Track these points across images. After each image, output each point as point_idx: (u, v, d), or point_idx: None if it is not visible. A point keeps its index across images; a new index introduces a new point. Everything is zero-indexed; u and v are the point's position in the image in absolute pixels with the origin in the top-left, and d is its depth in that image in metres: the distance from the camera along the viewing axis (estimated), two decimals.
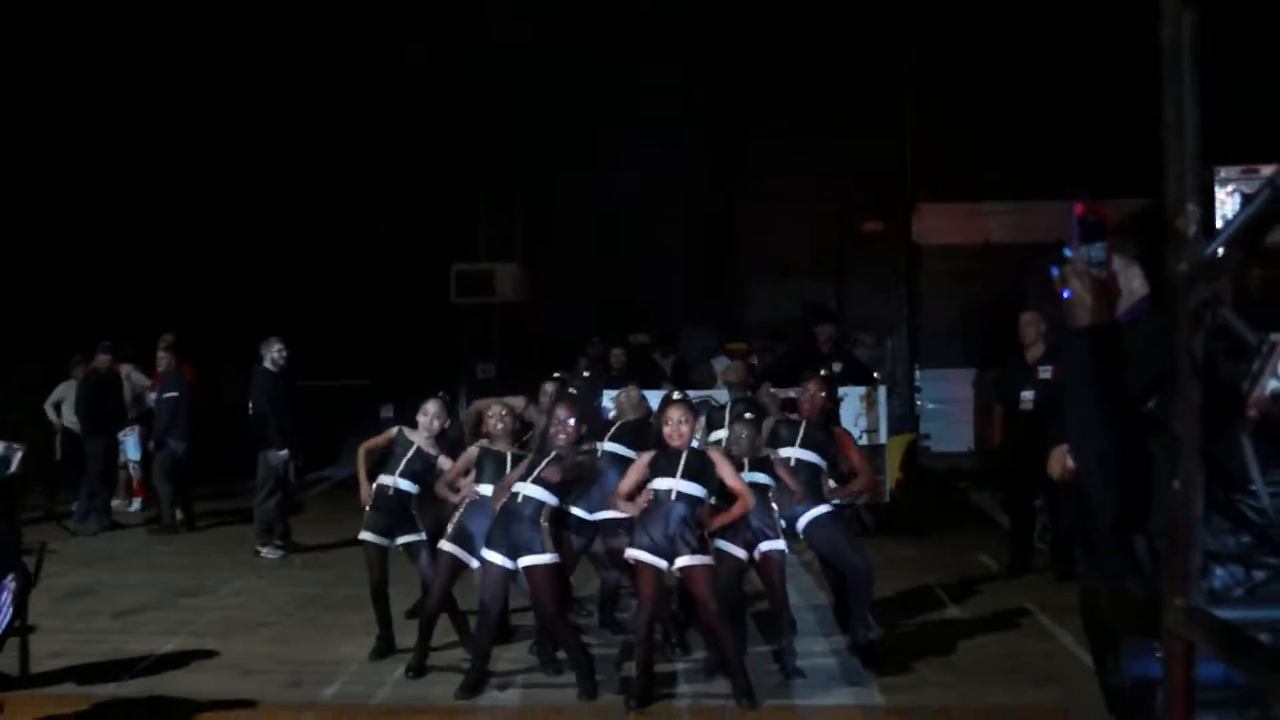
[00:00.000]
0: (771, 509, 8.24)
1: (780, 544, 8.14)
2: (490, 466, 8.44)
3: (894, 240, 21.19)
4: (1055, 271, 3.19)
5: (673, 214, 22.32)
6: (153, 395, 15.91)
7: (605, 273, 21.08)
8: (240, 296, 20.67)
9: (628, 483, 7.93)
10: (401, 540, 8.99)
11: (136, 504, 16.57)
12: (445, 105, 21.32)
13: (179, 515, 14.86)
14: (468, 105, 21.51)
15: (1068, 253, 3.16)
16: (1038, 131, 19.95)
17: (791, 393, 10.21)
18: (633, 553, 7.72)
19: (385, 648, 8.93)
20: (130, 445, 16.36)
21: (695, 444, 7.92)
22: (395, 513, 8.94)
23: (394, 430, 9.20)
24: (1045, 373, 10.75)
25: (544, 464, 7.96)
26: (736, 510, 7.80)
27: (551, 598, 7.86)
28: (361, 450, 9.26)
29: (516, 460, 8.32)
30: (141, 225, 20.66)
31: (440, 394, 9.30)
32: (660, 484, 7.70)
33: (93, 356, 15.07)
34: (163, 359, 15.51)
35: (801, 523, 8.57)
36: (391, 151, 21.29)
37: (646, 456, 7.91)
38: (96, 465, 14.82)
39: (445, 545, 8.37)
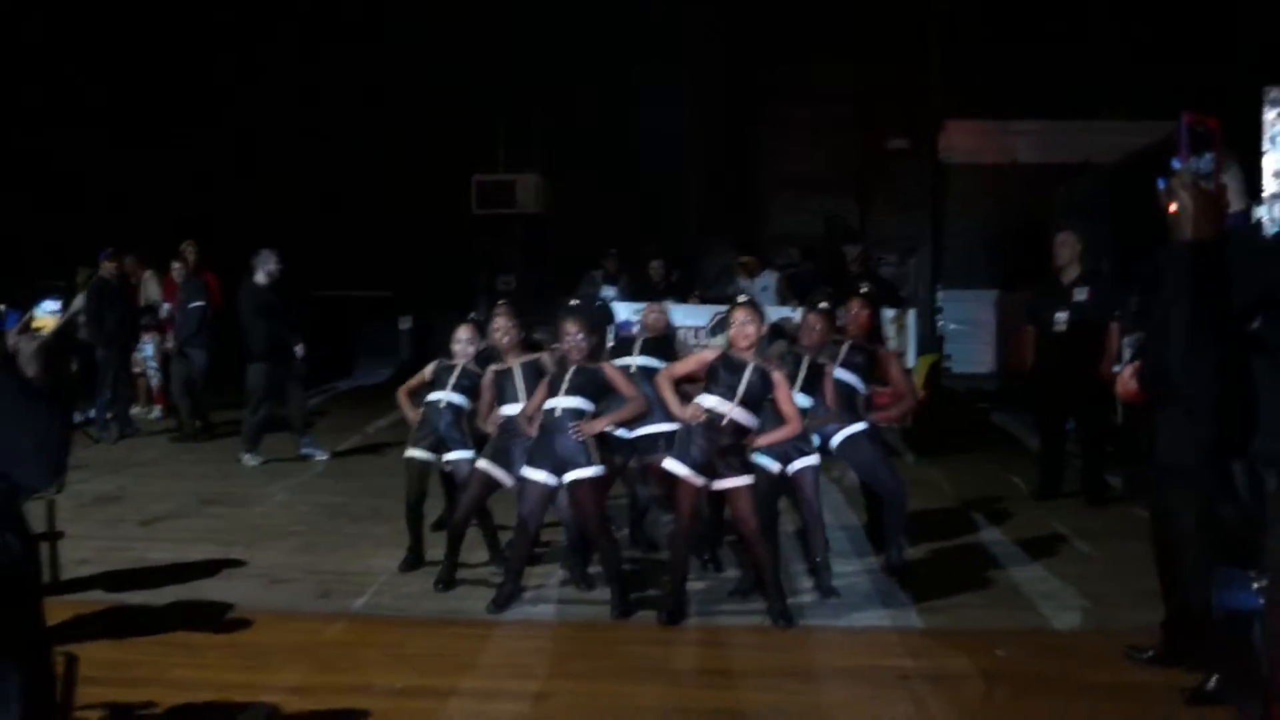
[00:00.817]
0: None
1: (814, 459, 8.00)
2: (506, 385, 8.29)
3: (919, 158, 20.91)
4: (1162, 184, 3.02)
5: (693, 127, 22.08)
6: (166, 305, 15.76)
7: (625, 186, 20.89)
8: (262, 208, 20.51)
9: (683, 368, 7.81)
10: (450, 457, 8.83)
11: (157, 411, 16.46)
12: (466, 16, 21.07)
13: (198, 425, 14.78)
14: (489, 16, 21.25)
15: (1175, 164, 2.99)
16: (1067, 48, 19.70)
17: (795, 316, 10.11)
18: (674, 467, 7.51)
19: (415, 560, 8.83)
20: (148, 351, 16.24)
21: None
22: (448, 428, 8.78)
23: (430, 367, 9.04)
24: (1081, 294, 10.57)
25: (569, 376, 7.81)
26: (783, 433, 7.61)
27: (597, 511, 7.77)
28: (401, 394, 9.17)
29: (526, 370, 8.22)
30: (165, 137, 20.46)
31: (471, 317, 9.17)
32: (713, 403, 7.43)
33: (98, 264, 14.88)
34: (176, 269, 15.40)
35: (835, 440, 8.44)
36: (412, 61, 21.06)
37: (710, 354, 7.67)
38: (109, 374, 14.68)
39: (481, 463, 8.26)
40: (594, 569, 8.29)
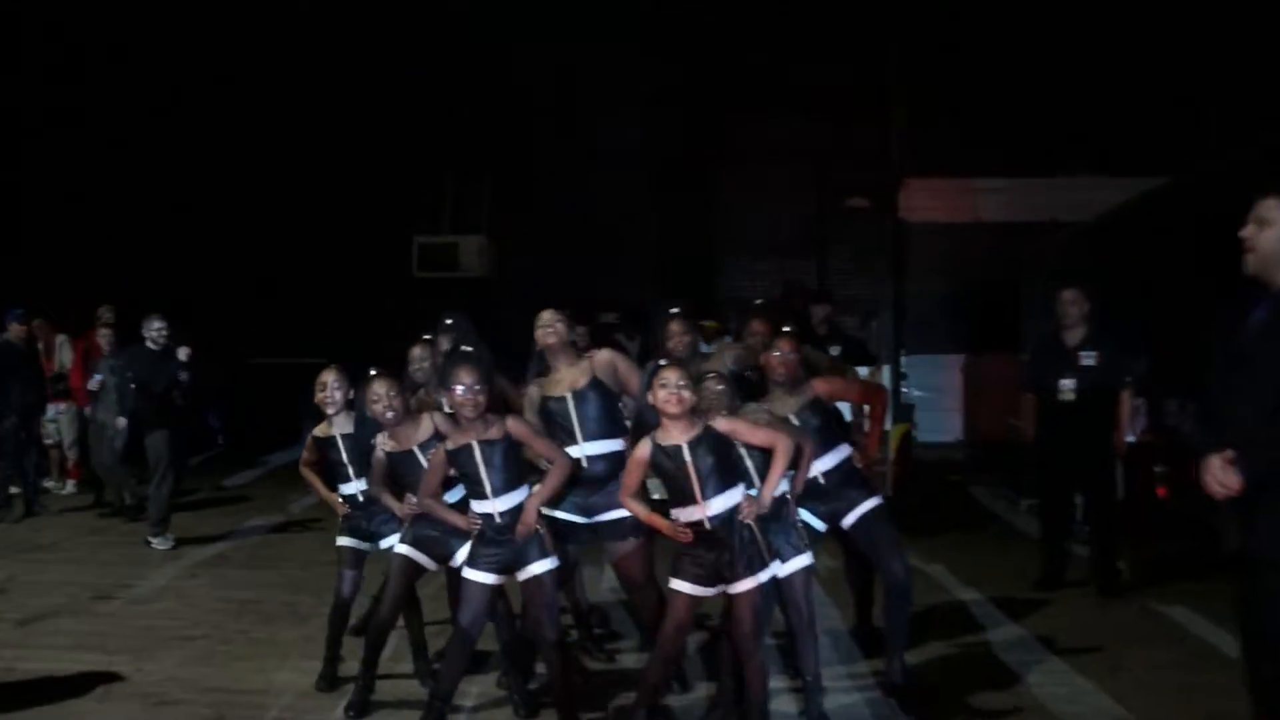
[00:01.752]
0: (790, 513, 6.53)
1: (806, 558, 6.44)
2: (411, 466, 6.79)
3: (879, 217, 19.68)
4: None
5: (646, 188, 20.76)
6: (98, 376, 14.04)
7: (575, 248, 19.58)
8: (192, 271, 19.10)
9: (632, 481, 6.12)
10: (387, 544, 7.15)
11: (70, 485, 14.84)
12: (411, 72, 19.82)
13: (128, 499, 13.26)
14: (435, 72, 20.01)
15: None
16: (1030, 104, 18.66)
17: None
18: (680, 586, 5.94)
19: (333, 675, 7.27)
20: (63, 423, 14.62)
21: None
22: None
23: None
24: (1089, 358, 9.18)
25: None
26: (779, 469, 5.97)
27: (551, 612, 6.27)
28: (305, 469, 7.59)
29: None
30: (93, 194, 19.05)
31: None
32: (686, 514, 5.90)
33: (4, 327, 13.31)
34: (104, 335, 13.82)
35: (849, 520, 6.92)
36: (351, 119, 19.74)
37: (640, 450, 6.02)
38: (8, 447, 13.09)
39: (401, 548, 6.75)
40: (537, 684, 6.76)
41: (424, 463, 6.60)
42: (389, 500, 6.85)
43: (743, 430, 5.96)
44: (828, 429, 6.94)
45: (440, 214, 20.74)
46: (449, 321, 7.96)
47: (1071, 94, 18.60)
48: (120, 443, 12.78)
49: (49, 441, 14.78)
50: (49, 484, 14.77)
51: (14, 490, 13.42)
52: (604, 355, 6.99)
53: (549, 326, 6.88)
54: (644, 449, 5.94)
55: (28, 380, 13.38)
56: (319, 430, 7.27)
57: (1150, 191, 12.49)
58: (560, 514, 6.76)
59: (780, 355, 6.87)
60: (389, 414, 6.65)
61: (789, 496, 6.33)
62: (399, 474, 6.78)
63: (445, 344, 7.62)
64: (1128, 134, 18.07)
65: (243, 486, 15.66)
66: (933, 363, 18.75)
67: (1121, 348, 9.32)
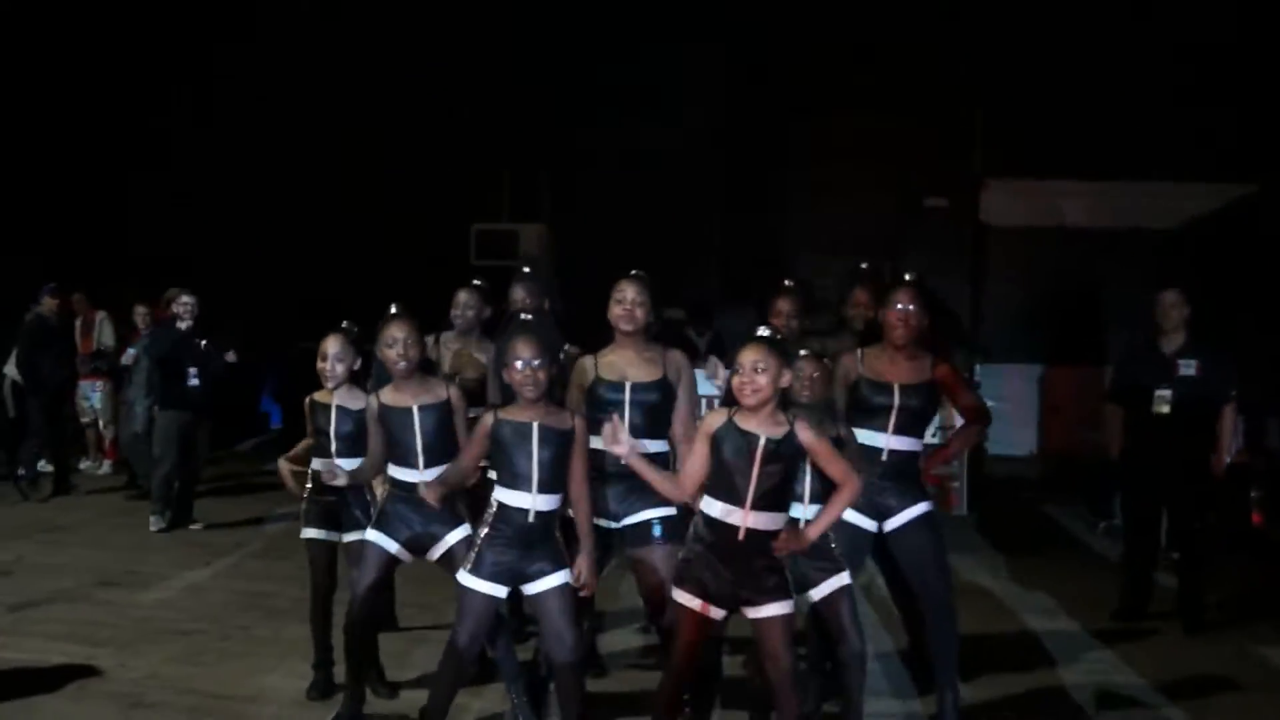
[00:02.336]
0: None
1: (844, 578, 5.58)
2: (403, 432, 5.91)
3: (957, 218, 18.70)
4: None
5: (714, 180, 19.90)
6: (131, 350, 13.32)
7: (638, 240, 18.69)
8: (247, 256, 18.48)
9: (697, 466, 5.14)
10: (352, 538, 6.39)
11: (106, 465, 14.15)
12: (474, 57, 19.09)
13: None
14: (499, 59, 19.27)
15: None
16: (1118, 106, 17.64)
17: None
18: (682, 598, 5.08)
19: (325, 681, 6.48)
20: (99, 401, 13.95)
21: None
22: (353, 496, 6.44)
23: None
24: (1188, 368, 8.19)
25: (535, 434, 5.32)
26: (839, 507, 5.11)
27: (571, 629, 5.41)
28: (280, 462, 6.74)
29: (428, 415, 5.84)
30: (149, 179, 18.49)
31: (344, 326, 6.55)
32: (719, 511, 5.00)
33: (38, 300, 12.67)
34: (140, 313, 13.16)
35: (893, 524, 6.07)
36: (411, 106, 19.03)
37: (713, 419, 5.06)
38: (37, 423, 12.44)
39: (371, 534, 5.93)
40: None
41: (418, 427, 5.77)
42: (369, 470, 6.05)
43: (822, 453, 5.03)
44: (921, 417, 6.12)
45: (500, 202, 19.99)
46: (526, 271, 7.20)
47: (1162, 96, 17.59)
48: (142, 424, 12.06)
49: (85, 420, 14.13)
50: (85, 464, 14.12)
51: (45, 468, 12.79)
52: (680, 356, 6.06)
53: (629, 308, 5.92)
54: (715, 420, 5.03)
55: (59, 356, 12.73)
56: (319, 395, 6.42)
57: (1246, 195, 11.54)
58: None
59: (901, 310, 6.01)
60: (401, 363, 5.78)
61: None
62: (387, 431, 5.86)
63: (519, 295, 6.90)
64: (1219, 139, 17.03)
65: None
66: (1008, 372, 17.73)
67: (1224, 359, 8.34)
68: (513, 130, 19.44)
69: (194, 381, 11.13)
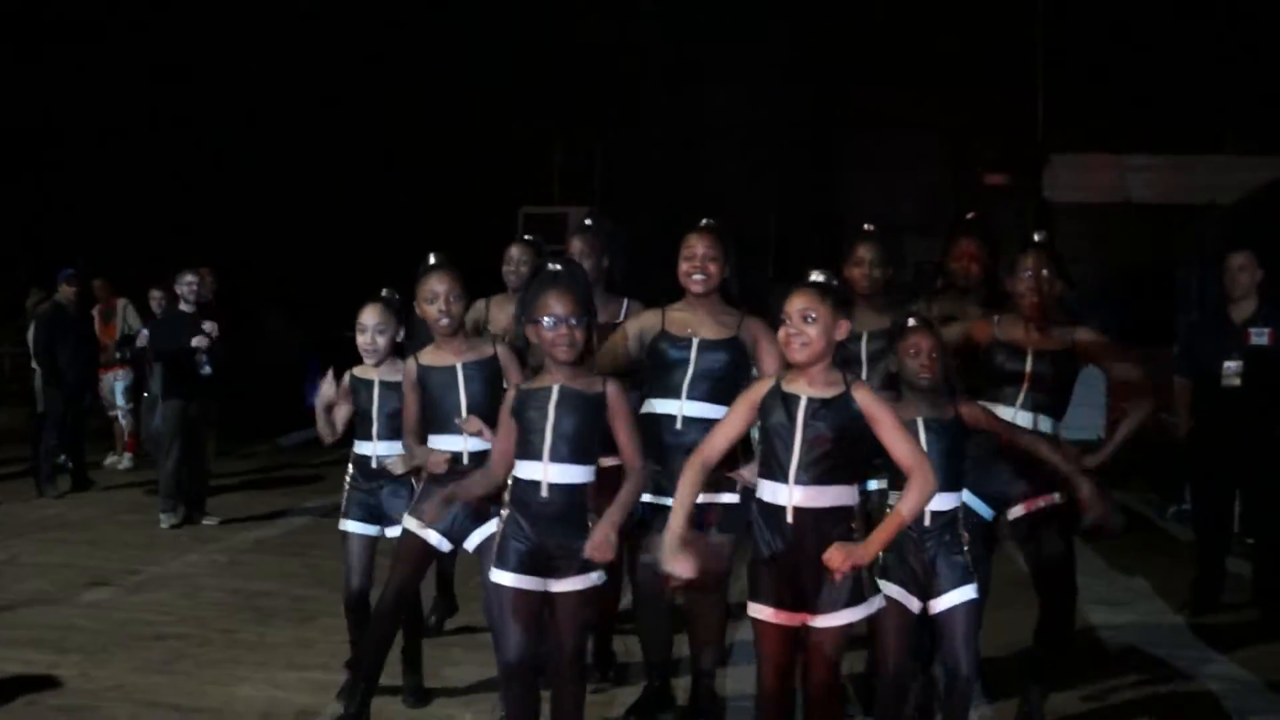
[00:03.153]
0: None
1: (971, 591, 4.69)
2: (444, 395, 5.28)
3: (1019, 195, 17.94)
4: None
5: (768, 160, 19.21)
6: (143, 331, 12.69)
7: (688, 220, 18.01)
8: (294, 244, 18.04)
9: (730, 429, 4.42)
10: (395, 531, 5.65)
11: (127, 459, 13.58)
12: (523, 41, 18.53)
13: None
14: (547, 42, 18.70)
15: None
16: (1186, 76, 16.82)
17: None
18: (756, 611, 4.26)
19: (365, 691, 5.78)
20: (118, 391, 13.39)
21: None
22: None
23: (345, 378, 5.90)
24: (1260, 336, 7.38)
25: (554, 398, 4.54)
26: (913, 503, 4.16)
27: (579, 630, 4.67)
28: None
29: (473, 370, 5.21)
30: (198, 165, 18.09)
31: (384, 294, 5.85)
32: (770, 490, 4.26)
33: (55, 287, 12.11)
34: (155, 297, 12.56)
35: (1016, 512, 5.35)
36: (461, 89, 18.49)
37: (761, 391, 4.30)
38: (55, 416, 11.88)
39: (409, 522, 5.31)
40: None
41: (463, 387, 5.16)
42: (411, 442, 5.35)
43: (885, 423, 4.18)
44: (1064, 391, 5.46)
45: (549, 185, 19.40)
46: (588, 223, 6.42)
47: (1231, 65, 16.74)
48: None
49: (111, 413, 13.60)
50: (110, 458, 13.60)
51: (66, 463, 12.24)
52: (760, 324, 5.33)
53: (700, 264, 5.31)
54: (761, 389, 4.30)
55: (77, 346, 12.12)
56: (359, 370, 5.73)
57: None
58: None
59: (1030, 276, 5.37)
60: (444, 320, 5.16)
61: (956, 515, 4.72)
62: (427, 395, 5.24)
63: (576, 248, 6.10)
64: None
65: (320, 465, 14.31)
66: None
67: None
68: (562, 113, 18.91)
69: (205, 369, 10.41)
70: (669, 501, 4.54)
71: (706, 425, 4.81)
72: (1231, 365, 7.39)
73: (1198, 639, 7.22)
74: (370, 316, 5.62)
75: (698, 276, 5.30)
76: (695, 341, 5.24)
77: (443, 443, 5.19)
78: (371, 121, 18.44)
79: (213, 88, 18.39)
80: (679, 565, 4.19)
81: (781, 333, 4.15)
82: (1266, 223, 13.46)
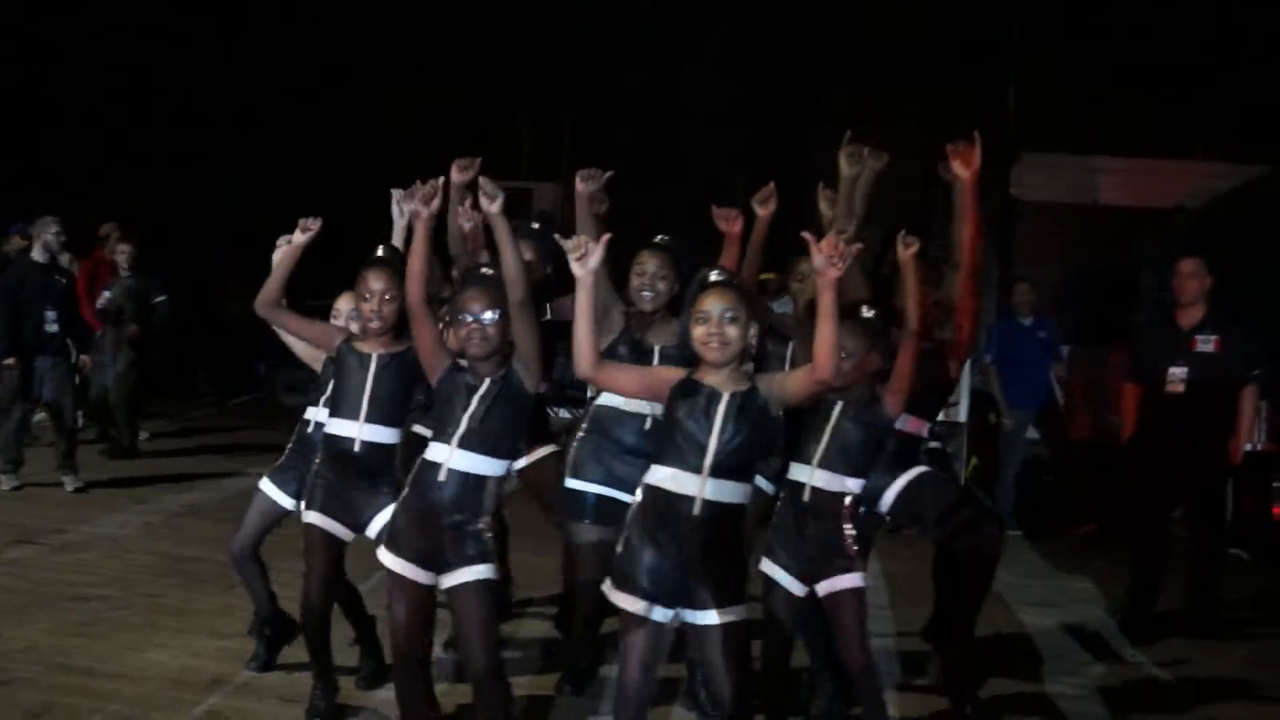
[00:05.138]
0: None
1: (856, 578, 4.79)
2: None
3: (988, 192, 17.88)
4: None
5: (739, 151, 19.12)
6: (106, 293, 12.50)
7: (662, 207, 17.97)
8: (255, 215, 17.86)
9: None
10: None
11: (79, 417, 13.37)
12: (489, 11, 18.41)
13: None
14: (516, 11, 18.57)
15: None
16: (1161, 79, 16.80)
17: None
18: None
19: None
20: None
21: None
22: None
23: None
24: (1206, 344, 7.35)
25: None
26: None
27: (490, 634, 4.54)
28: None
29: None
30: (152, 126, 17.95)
31: None
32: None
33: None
34: (123, 252, 12.30)
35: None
36: (425, 57, 18.38)
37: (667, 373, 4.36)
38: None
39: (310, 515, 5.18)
40: None
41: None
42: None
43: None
44: None
45: (519, 159, 19.24)
46: (534, 226, 6.62)
47: (1206, 70, 16.76)
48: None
49: None
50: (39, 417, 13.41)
51: None
52: None
53: (650, 281, 5.59)
54: (673, 374, 4.29)
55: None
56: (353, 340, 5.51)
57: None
58: (602, 489, 5.50)
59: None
60: (374, 322, 5.02)
61: None
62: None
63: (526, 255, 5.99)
64: (1266, 118, 16.16)
65: (267, 430, 14.16)
66: None
67: (1248, 335, 7.48)
68: (531, 84, 18.77)
69: (51, 327, 9.99)
70: (621, 495, 5.11)
71: None
72: (1177, 371, 7.37)
73: (1125, 641, 7.24)
74: (345, 303, 5.57)
75: (647, 294, 5.51)
76: (656, 350, 5.42)
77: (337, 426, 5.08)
78: (331, 95, 18.35)
79: (172, 65, 18.23)
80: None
81: (700, 331, 4.12)
82: (1231, 228, 13.52)
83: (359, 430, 4.99)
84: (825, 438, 4.78)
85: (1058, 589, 8.63)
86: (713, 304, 4.12)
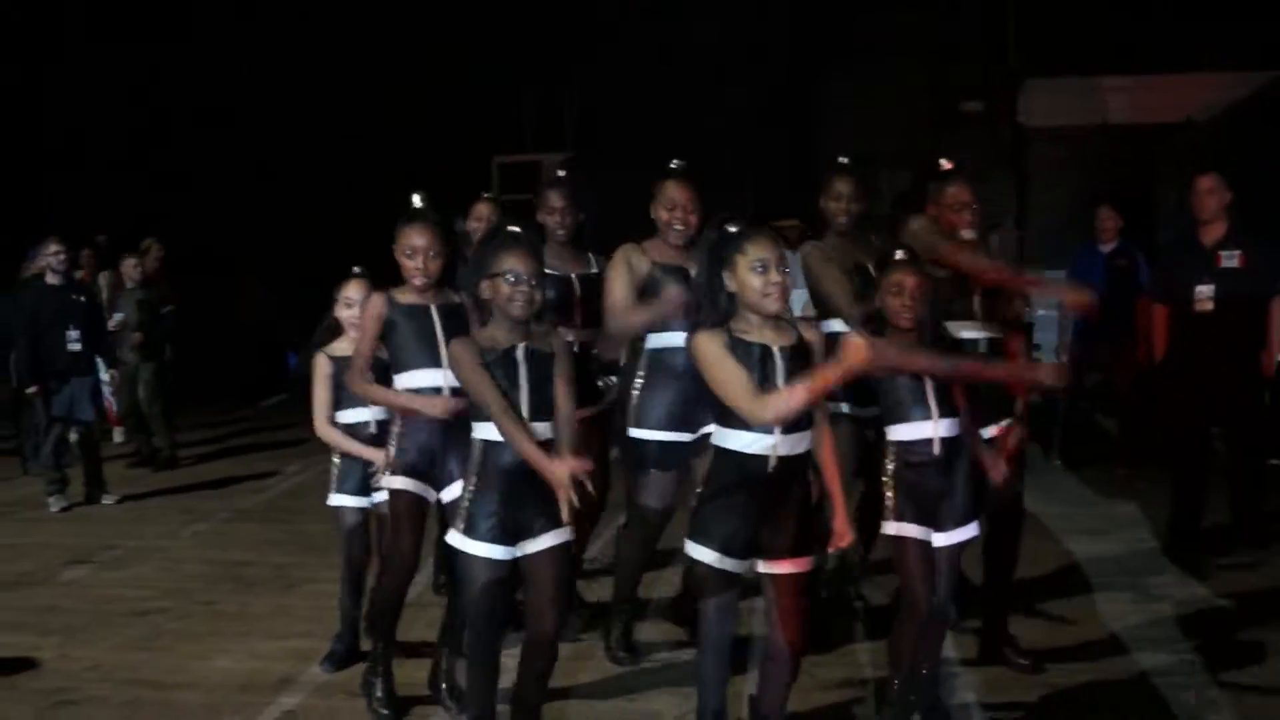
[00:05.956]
0: None
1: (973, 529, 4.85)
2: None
3: (996, 122, 17.82)
4: None
5: (746, 96, 19.09)
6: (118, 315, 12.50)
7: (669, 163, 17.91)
8: (259, 205, 17.89)
9: None
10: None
11: (117, 434, 13.47)
12: None
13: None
14: None
15: None
16: None
17: None
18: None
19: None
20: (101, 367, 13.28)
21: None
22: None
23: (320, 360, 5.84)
24: (1231, 259, 7.34)
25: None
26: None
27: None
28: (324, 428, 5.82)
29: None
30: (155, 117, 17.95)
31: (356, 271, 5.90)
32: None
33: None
34: (130, 264, 12.33)
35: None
36: (424, 30, 18.32)
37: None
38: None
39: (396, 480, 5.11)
40: None
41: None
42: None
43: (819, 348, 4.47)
44: None
45: (522, 131, 19.23)
46: (561, 174, 6.43)
47: None
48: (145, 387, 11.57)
49: None
50: None
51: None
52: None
53: (681, 213, 5.58)
54: (713, 342, 4.21)
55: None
56: (335, 348, 5.72)
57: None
58: (657, 435, 5.52)
59: None
60: (417, 279, 5.07)
61: None
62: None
63: (554, 202, 6.09)
64: (1271, 24, 16.03)
65: (300, 428, 14.27)
66: (1059, 279, 16.90)
67: (1273, 247, 7.48)
68: (532, 53, 18.72)
69: (74, 345, 10.00)
70: (683, 437, 5.32)
71: None
72: (1204, 289, 7.36)
73: (1173, 565, 7.27)
74: (355, 290, 5.61)
75: (678, 228, 5.45)
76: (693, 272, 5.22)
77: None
78: (334, 79, 18.28)
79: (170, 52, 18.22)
80: None
81: (759, 281, 4.08)
82: (1242, 139, 13.44)
83: (445, 378, 4.94)
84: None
85: (1104, 515, 8.65)
86: (768, 251, 4.10)
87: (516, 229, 4.50)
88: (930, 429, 4.57)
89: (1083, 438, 11.15)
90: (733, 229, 4.20)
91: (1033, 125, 17.81)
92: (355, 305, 5.61)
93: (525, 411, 4.31)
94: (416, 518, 5.09)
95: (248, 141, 18.23)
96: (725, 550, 4.19)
